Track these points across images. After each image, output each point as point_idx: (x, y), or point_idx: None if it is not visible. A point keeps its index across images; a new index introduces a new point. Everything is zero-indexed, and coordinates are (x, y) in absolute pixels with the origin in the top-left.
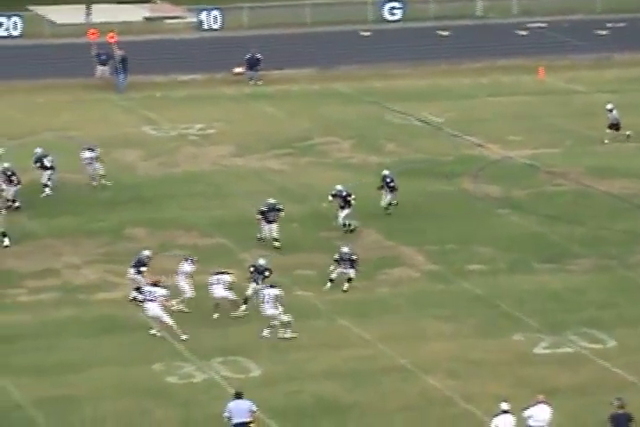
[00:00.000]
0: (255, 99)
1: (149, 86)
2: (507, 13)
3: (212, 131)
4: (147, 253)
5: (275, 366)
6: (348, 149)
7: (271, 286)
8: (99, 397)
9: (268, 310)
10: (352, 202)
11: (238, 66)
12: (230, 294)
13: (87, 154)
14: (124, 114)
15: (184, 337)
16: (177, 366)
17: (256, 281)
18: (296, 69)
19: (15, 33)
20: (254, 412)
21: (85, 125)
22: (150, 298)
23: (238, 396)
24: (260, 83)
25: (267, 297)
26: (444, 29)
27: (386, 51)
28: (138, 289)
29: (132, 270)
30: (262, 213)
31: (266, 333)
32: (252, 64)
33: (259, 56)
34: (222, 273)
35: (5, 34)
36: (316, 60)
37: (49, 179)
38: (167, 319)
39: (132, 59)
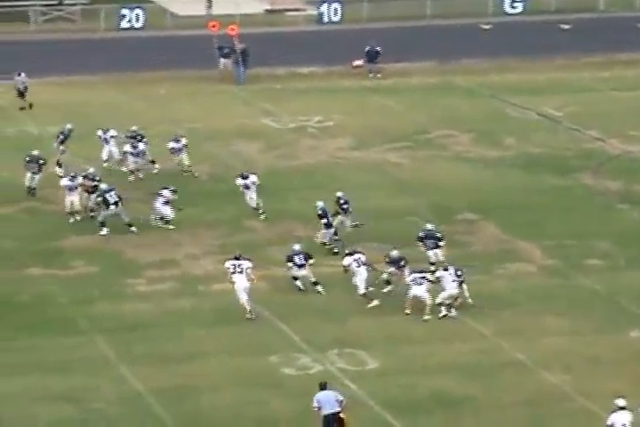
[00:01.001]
0: (374, 92)
1: (269, 78)
2: (629, 7)
3: (330, 123)
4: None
5: (390, 358)
6: (466, 142)
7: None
8: (215, 387)
9: (419, 291)
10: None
11: (358, 59)
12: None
13: (172, 144)
14: (243, 106)
15: (249, 316)
16: (293, 357)
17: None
18: (415, 63)
19: (137, 25)
20: (342, 401)
21: (205, 117)
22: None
23: (323, 387)
24: (379, 76)
25: (417, 280)
26: (565, 23)
27: (506, 44)
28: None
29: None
30: (421, 239)
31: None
32: (372, 57)
33: (378, 49)
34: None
35: (128, 26)
36: (435, 54)
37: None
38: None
39: (253, 51)
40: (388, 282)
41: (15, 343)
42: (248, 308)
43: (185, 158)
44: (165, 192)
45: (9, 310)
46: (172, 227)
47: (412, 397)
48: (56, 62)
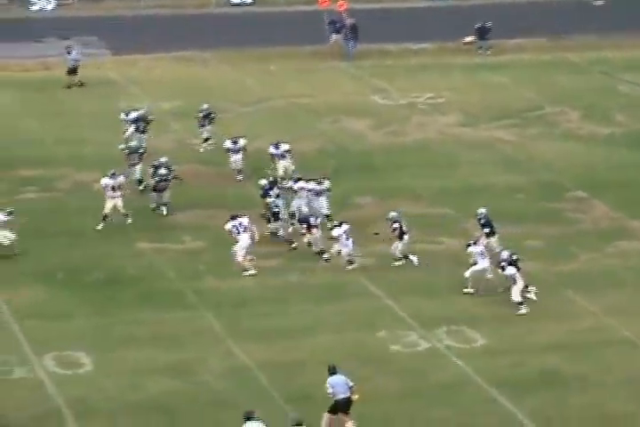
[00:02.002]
0: (484, 68)
1: (379, 54)
2: None
3: (440, 100)
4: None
5: (498, 336)
6: (577, 119)
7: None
8: (322, 362)
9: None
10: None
11: (468, 35)
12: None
13: (228, 144)
14: (353, 82)
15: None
16: (401, 334)
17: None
18: (527, 39)
19: (248, 0)
20: (352, 387)
21: (315, 93)
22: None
23: (334, 371)
24: (489, 52)
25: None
26: None
27: (619, 20)
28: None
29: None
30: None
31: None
32: (483, 33)
33: (489, 25)
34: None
35: (239, 1)
36: (546, 30)
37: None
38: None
39: (363, 27)
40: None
41: (126, 317)
42: (248, 265)
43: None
44: None
45: (119, 284)
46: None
47: (520, 375)
48: (168, 38)
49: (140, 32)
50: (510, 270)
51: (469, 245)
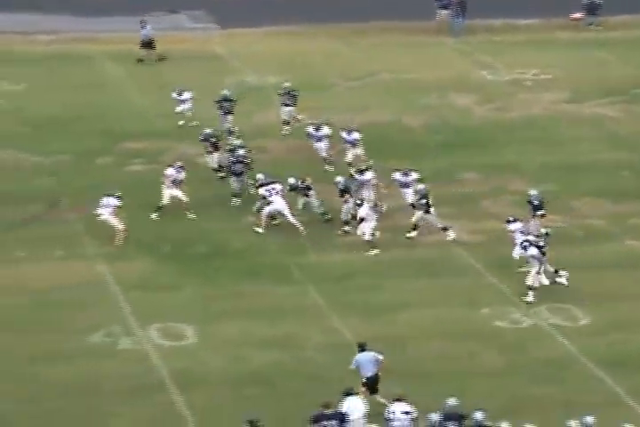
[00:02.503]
0: (592, 44)
1: (486, 30)
2: None
3: (546, 76)
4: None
5: (602, 315)
6: None
7: None
8: (423, 337)
9: None
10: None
11: (577, 11)
12: None
13: (310, 130)
14: (459, 58)
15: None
16: (506, 311)
17: None
18: (634, 15)
19: None
20: (381, 361)
21: (421, 68)
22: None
23: (363, 348)
24: (599, 28)
25: None
26: None
27: None
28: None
29: None
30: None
31: None
32: (592, 9)
33: (599, 1)
34: None
35: None
36: None
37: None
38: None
39: (470, 2)
40: None
41: (230, 290)
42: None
43: (359, 153)
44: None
45: (224, 258)
46: None
47: (625, 353)
48: (275, 12)
49: (247, 6)
50: (531, 251)
51: (509, 222)
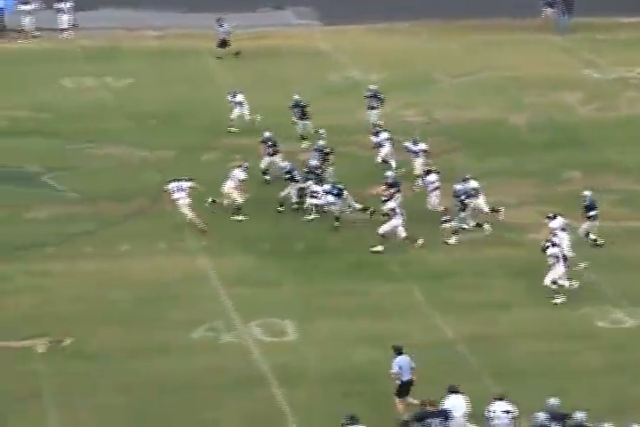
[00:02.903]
0: None
1: (591, 28)
2: None
3: None
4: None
5: None
6: None
7: None
8: (524, 337)
9: None
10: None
11: None
12: None
13: (409, 145)
14: (564, 55)
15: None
16: (607, 310)
17: None
18: None
19: None
20: (413, 368)
21: (525, 66)
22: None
23: (400, 351)
24: None
25: None
26: None
27: None
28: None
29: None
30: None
31: None
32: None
33: None
34: None
35: None
36: None
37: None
38: None
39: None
40: None
41: (331, 286)
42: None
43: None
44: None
45: (326, 254)
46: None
47: None
48: (378, 9)
49: (352, 3)
50: (552, 250)
51: (549, 218)
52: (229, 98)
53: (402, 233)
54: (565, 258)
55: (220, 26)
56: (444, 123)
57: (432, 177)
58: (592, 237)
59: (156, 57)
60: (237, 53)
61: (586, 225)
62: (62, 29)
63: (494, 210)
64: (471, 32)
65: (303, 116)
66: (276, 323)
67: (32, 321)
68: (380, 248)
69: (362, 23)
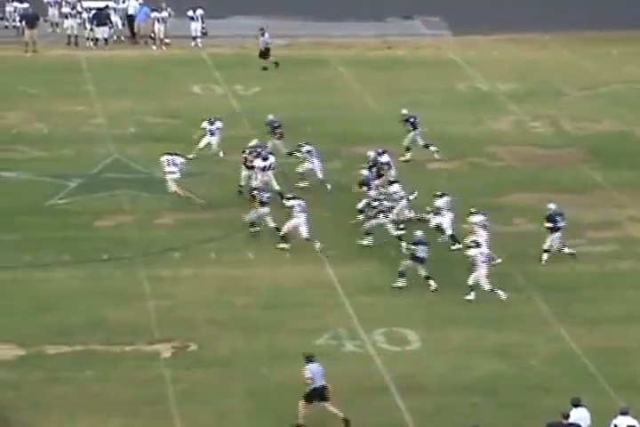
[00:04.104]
0: None
1: None
2: None
3: None
4: None
5: None
6: None
7: None
8: None
9: None
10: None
11: None
12: None
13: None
14: None
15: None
16: None
17: None
18: None
19: None
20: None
21: None
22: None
23: (312, 359)
24: None
25: None
26: None
27: None
28: None
29: None
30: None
31: None
32: None
33: None
34: None
35: None
36: None
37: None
38: None
39: None
40: None
41: (454, 296)
42: None
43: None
44: None
45: (449, 263)
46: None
47: None
48: (509, 20)
49: (480, 14)
50: (472, 252)
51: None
52: (206, 124)
53: (304, 233)
54: (490, 257)
55: (262, 35)
56: (571, 134)
57: (395, 187)
58: (565, 250)
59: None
60: (276, 64)
61: (548, 238)
62: (193, 37)
63: (421, 219)
64: (598, 44)
65: (414, 128)
66: (400, 332)
67: (159, 326)
68: (285, 246)
69: (491, 33)
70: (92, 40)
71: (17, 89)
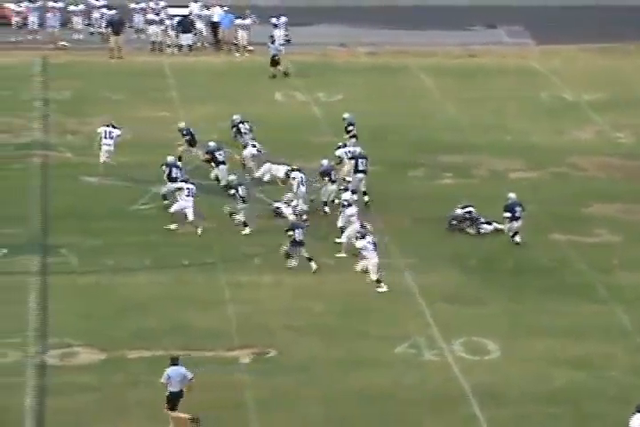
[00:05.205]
0: None
1: None
2: None
3: None
4: None
5: None
6: None
7: None
8: None
9: None
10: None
11: None
12: None
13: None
14: None
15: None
16: None
17: None
18: None
19: None
20: (191, 379)
21: None
22: None
23: (175, 362)
24: None
25: None
26: None
27: None
28: None
29: None
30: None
31: None
32: None
33: None
34: None
35: None
36: None
37: None
38: None
39: None
40: None
41: (535, 306)
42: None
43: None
44: None
45: (531, 273)
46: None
47: None
48: (592, 29)
49: (565, 22)
50: (360, 243)
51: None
52: (101, 130)
53: (190, 215)
54: (376, 246)
55: (272, 43)
56: None
57: (295, 173)
58: (516, 239)
59: (366, 73)
60: (286, 74)
61: (506, 227)
62: None
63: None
64: None
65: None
66: (479, 341)
67: (239, 332)
68: (173, 226)
69: (574, 43)
70: (175, 47)
71: (101, 95)
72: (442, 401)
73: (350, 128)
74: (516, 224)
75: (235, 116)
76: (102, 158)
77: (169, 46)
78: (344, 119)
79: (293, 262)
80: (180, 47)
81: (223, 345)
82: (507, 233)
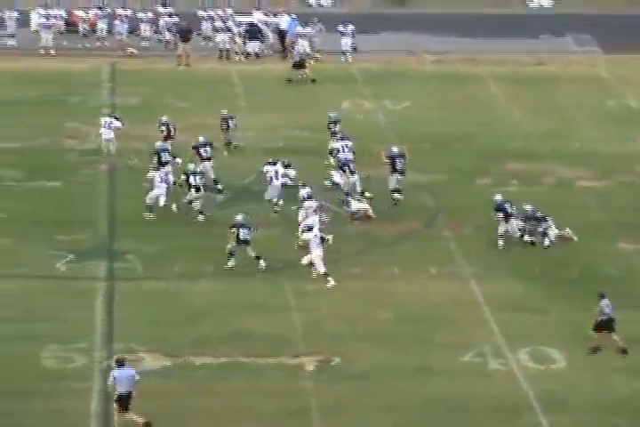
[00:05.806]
0: None
1: None
2: None
3: None
4: None
5: None
6: None
7: None
8: None
9: None
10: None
11: None
12: None
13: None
14: None
15: None
16: None
17: None
18: None
19: None
20: (137, 381)
21: None
22: None
23: (121, 364)
24: None
25: None
26: None
27: None
28: None
29: None
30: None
31: None
32: None
33: None
34: None
35: None
36: None
37: None
38: None
39: None
40: None
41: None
42: None
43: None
44: None
45: (596, 282)
46: None
47: None
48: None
49: (632, 31)
50: (308, 235)
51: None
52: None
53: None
54: (323, 240)
55: (292, 48)
56: None
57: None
58: (545, 242)
59: (433, 81)
60: (313, 80)
61: (501, 226)
62: (343, 52)
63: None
64: None
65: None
66: (545, 350)
67: (304, 339)
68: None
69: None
70: (243, 54)
71: (167, 102)
72: (506, 410)
73: (331, 126)
74: (513, 222)
75: (223, 111)
76: (102, 145)
77: (236, 54)
78: (329, 117)
79: (231, 262)
80: (247, 55)
81: (288, 352)
82: (512, 234)
